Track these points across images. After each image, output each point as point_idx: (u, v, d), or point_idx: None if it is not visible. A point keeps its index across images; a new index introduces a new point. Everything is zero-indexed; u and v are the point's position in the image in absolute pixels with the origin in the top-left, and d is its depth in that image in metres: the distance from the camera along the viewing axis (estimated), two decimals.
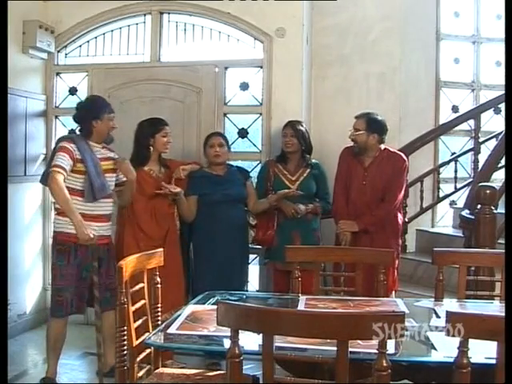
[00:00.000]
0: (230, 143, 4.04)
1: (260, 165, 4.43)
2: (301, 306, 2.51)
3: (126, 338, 2.35)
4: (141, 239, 3.64)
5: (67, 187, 3.33)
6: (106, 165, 3.53)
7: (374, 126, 3.63)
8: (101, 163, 3.47)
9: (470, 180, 4.84)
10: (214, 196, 3.74)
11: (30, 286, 4.55)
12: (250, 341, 1.87)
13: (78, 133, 3.62)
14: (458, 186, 5.00)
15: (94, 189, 3.37)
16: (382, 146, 3.69)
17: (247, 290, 3.95)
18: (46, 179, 3.38)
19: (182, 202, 3.76)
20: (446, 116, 5.26)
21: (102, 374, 3.39)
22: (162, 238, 3.68)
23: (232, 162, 4.09)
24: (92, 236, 3.27)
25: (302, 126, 3.94)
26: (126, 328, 2.34)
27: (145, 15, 4.67)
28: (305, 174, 3.90)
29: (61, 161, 3.30)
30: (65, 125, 4.81)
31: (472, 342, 1.63)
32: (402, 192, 3.73)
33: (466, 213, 3.65)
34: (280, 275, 3.72)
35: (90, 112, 3.52)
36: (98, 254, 3.42)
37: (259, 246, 4.05)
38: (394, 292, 3.61)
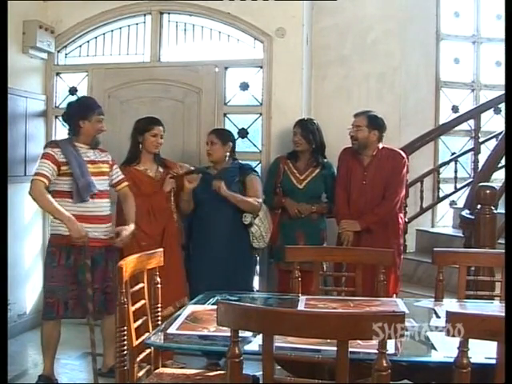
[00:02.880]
0: (230, 136, 3.88)
1: (260, 165, 4.44)
2: (301, 306, 2.50)
3: (125, 338, 2.34)
4: (141, 238, 3.63)
5: (57, 191, 3.35)
6: (94, 167, 3.48)
7: (374, 122, 3.65)
8: (88, 165, 3.43)
9: (470, 180, 4.84)
10: (203, 194, 3.71)
11: (29, 286, 4.55)
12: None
13: (67, 136, 3.57)
14: (458, 186, 5.01)
15: (79, 189, 3.34)
16: (381, 145, 3.71)
17: (252, 290, 3.92)
18: None
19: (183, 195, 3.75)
20: (445, 116, 5.26)
21: (97, 373, 3.40)
22: (161, 234, 3.68)
23: None
24: (84, 234, 3.24)
25: (312, 124, 3.90)
26: (125, 328, 2.34)
27: (145, 15, 4.67)
28: (313, 174, 3.89)
29: (41, 168, 3.30)
30: (65, 125, 4.80)
31: (472, 342, 1.63)
32: (403, 189, 3.74)
33: (465, 213, 3.65)
34: (285, 275, 3.69)
35: (78, 112, 3.49)
36: (90, 255, 3.37)
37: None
38: (395, 293, 3.62)
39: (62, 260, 3.36)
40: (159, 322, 2.53)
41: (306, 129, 3.86)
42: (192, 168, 3.80)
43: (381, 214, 3.62)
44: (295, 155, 3.94)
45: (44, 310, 3.42)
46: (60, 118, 3.67)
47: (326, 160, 3.95)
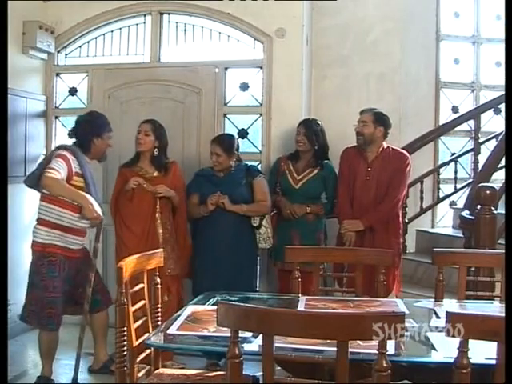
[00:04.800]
0: (234, 144, 3.83)
1: (260, 165, 4.44)
2: (301, 307, 2.51)
3: (125, 338, 2.34)
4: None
5: (61, 201, 3.28)
6: None
7: (380, 119, 3.68)
8: None
9: (470, 180, 4.84)
10: (210, 195, 3.71)
11: None
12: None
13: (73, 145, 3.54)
14: (458, 186, 5.00)
15: None
16: (385, 145, 3.72)
17: (256, 291, 3.91)
18: (33, 180, 3.34)
19: (178, 201, 3.76)
20: (445, 116, 5.26)
21: (78, 372, 3.44)
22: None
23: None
24: (96, 215, 3.22)
25: (317, 125, 3.89)
26: (125, 328, 2.34)
27: (145, 16, 4.67)
28: (311, 175, 3.88)
29: (55, 165, 3.22)
30: (65, 125, 4.81)
31: (472, 343, 1.63)
32: (405, 188, 3.76)
33: (465, 213, 3.65)
34: (284, 275, 3.68)
35: (92, 129, 3.50)
36: (76, 266, 3.44)
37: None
38: (395, 293, 3.62)
39: (61, 271, 3.36)
40: (159, 323, 2.53)
41: (310, 129, 3.86)
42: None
43: (383, 212, 3.62)
44: (296, 155, 3.94)
45: (45, 321, 3.36)
46: (71, 119, 3.62)
47: (326, 161, 3.94)
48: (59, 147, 3.48)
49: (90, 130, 3.50)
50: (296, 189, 3.88)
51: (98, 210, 3.24)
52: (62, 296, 3.37)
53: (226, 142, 3.79)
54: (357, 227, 3.62)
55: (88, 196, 3.24)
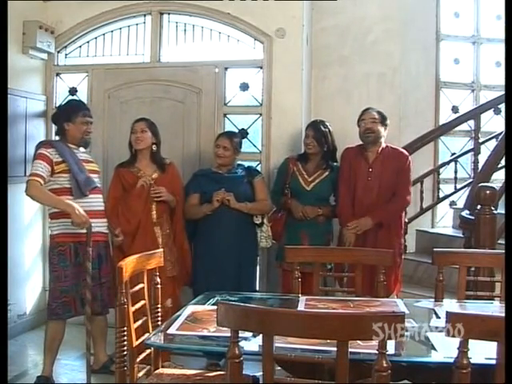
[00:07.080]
0: (240, 141, 3.93)
1: (260, 165, 4.44)
2: (301, 307, 2.51)
3: (125, 338, 2.34)
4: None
5: (56, 188, 3.38)
6: (88, 165, 3.58)
7: (384, 119, 3.71)
8: (83, 164, 3.53)
9: (470, 180, 4.84)
10: (213, 193, 3.70)
11: (29, 286, 4.55)
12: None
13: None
14: (458, 186, 5.00)
15: (80, 184, 3.42)
16: (384, 144, 3.72)
17: (257, 290, 3.92)
18: None
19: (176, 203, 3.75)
20: (445, 116, 5.26)
21: (90, 373, 3.42)
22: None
23: None
24: (85, 219, 3.27)
25: (325, 126, 3.85)
26: (125, 328, 2.34)
27: (145, 16, 4.67)
28: (322, 177, 3.85)
29: (36, 168, 3.34)
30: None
31: (472, 343, 1.63)
32: (411, 187, 3.76)
33: (465, 213, 3.65)
34: (289, 276, 3.66)
35: (63, 114, 3.59)
36: (96, 250, 3.44)
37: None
38: (395, 293, 3.62)
39: (72, 258, 3.41)
40: (159, 323, 2.53)
41: (319, 131, 3.81)
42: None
43: (393, 210, 3.64)
44: (305, 157, 3.90)
45: (61, 310, 3.40)
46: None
47: (335, 164, 3.91)
48: (38, 145, 3.57)
49: (61, 115, 3.61)
50: (307, 190, 3.83)
51: (84, 215, 3.29)
52: (78, 283, 3.39)
53: (234, 137, 3.86)
54: (366, 225, 3.58)
55: (73, 204, 3.30)
